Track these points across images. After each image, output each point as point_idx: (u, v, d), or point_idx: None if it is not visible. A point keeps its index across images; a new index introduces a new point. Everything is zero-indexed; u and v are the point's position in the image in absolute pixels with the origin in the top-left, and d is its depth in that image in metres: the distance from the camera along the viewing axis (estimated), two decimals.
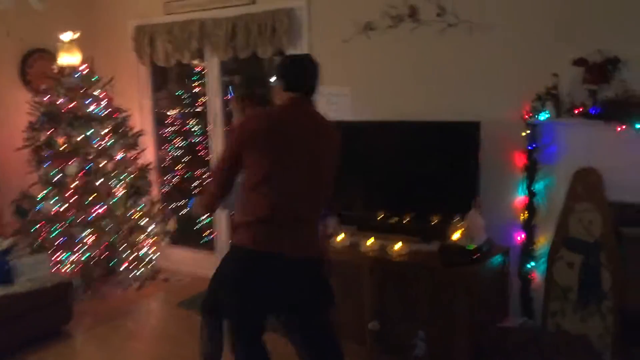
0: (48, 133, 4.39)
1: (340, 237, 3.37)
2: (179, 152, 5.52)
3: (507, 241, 3.30)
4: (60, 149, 4.36)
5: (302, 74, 2.46)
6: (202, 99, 5.14)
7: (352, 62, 3.82)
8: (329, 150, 2.47)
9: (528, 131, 3.17)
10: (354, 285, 3.26)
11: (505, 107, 3.26)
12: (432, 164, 3.35)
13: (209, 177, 2.56)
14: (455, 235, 3.05)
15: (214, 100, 4.73)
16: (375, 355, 3.22)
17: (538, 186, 3.22)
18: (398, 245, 3.16)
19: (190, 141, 5.49)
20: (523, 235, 3.26)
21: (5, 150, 4.51)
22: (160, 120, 5.36)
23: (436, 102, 3.50)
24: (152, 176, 4.93)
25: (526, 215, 3.24)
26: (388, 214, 3.49)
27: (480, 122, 3.18)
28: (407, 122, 3.47)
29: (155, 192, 5.06)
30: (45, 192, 4.40)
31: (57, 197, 4.36)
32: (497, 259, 3.19)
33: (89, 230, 4.40)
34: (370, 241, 3.27)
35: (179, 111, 5.52)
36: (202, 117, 5.19)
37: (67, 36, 4.46)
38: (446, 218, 3.19)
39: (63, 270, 4.37)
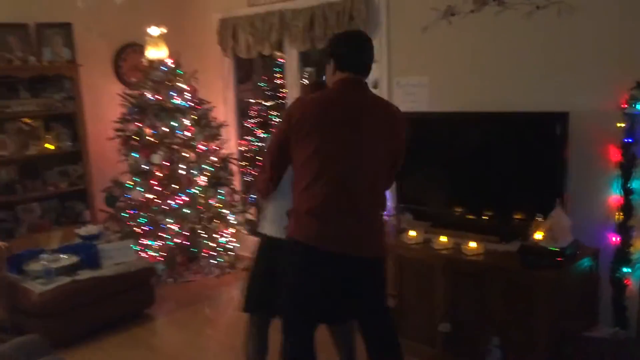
0: (137, 124, 4.59)
1: (413, 233, 3.23)
2: (261, 143, 5.59)
3: (598, 243, 3.00)
4: (147, 139, 4.54)
5: (355, 50, 2.29)
6: (284, 91, 5.16)
7: (431, 50, 3.64)
8: (390, 135, 2.31)
9: (624, 123, 2.86)
10: (425, 285, 3.12)
11: (598, 96, 2.96)
12: (515, 158, 3.11)
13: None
14: (537, 236, 2.82)
15: (293, 91, 4.72)
16: (445, 358, 3.07)
17: (635, 184, 2.89)
18: (473, 244, 2.98)
19: (272, 132, 5.54)
20: (617, 238, 2.95)
21: (100, 139, 4.77)
22: (243, 112, 5.45)
23: (521, 91, 3.25)
24: (234, 166, 5.02)
25: (621, 216, 2.93)
26: (464, 210, 3.31)
27: (569, 113, 2.90)
28: (488, 114, 3.25)
29: (236, 182, 5.15)
30: (133, 181, 4.62)
31: (143, 186, 4.55)
32: (585, 262, 2.91)
33: (172, 219, 4.57)
34: (444, 239, 3.11)
35: (262, 102, 5.58)
36: (284, 108, 5.21)
37: (154, 31, 4.63)
38: (528, 216, 2.96)
39: (148, 256, 4.57)
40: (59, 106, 4.65)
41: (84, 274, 3.81)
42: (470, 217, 3.27)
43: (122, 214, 4.65)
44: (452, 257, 3.01)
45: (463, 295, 2.97)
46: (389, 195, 3.58)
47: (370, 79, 3.89)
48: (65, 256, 3.96)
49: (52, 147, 4.65)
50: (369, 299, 2.42)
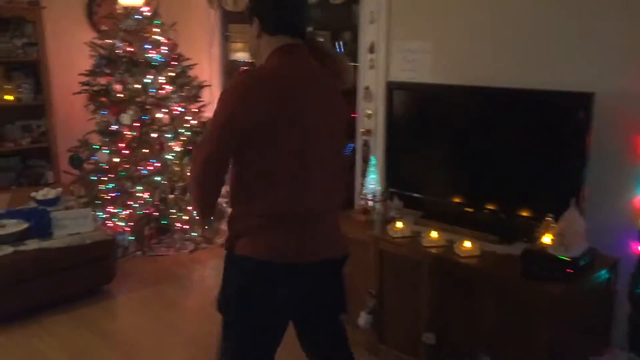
0: (106, 78, 4.12)
1: (400, 224, 2.77)
2: None
3: (617, 252, 2.53)
4: (117, 95, 4.07)
5: (289, 4, 1.77)
6: None
7: (437, 10, 3.11)
8: (338, 120, 1.85)
9: None
10: (409, 286, 2.67)
11: (630, 75, 2.44)
12: (527, 145, 2.61)
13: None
14: (546, 239, 2.34)
15: None
16: None
17: None
18: (468, 244, 2.51)
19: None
20: None
21: (67, 93, 4.30)
22: (230, 73, 4.95)
23: (540, 65, 2.73)
24: None
25: None
26: (463, 201, 2.83)
27: (595, 94, 2.39)
28: (500, 90, 2.73)
29: None
30: (100, 141, 4.17)
31: (111, 148, 4.11)
32: (601, 274, 2.44)
33: (141, 187, 4.13)
34: (435, 234, 2.64)
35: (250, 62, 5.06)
36: None
37: None
38: (536, 215, 2.49)
39: (114, 225, 4.16)
40: (20, 53, 4.17)
41: (31, 244, 3.40)
42: (469, 209, 2.80)
43: (89, 177, 4.22)
44: (442, 257, 2.55)
45: (451, 303, 2.52)
46: (377, 179, 3.12)
47: (365, 42, 3.45)
48: (13, 221, 3.55)
49: (11, 98, 4.19)
50: (328, 306, 2.00)
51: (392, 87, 3.09)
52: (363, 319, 2.86)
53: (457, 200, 2.85)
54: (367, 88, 3.52)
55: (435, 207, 2.92)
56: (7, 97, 4.16)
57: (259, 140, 1.68)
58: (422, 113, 3.00)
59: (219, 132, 1.69)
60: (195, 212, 1.92)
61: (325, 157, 1.79)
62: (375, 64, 3.43)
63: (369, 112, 3.53)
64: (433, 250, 2.60)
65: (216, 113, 1.71)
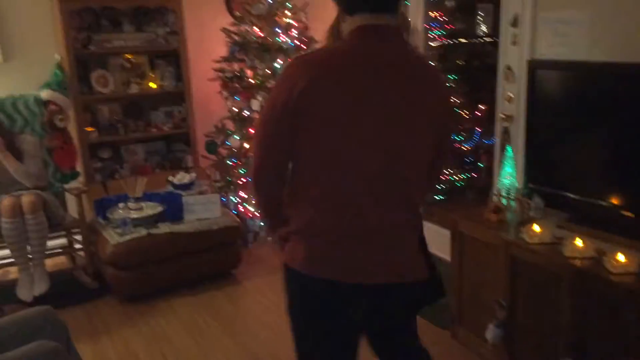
0: (238, 65, 4.13)
1: (537, 228, 2.36)
2: None
3: None
4: (248, 81, 4.06)
5: None
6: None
7: None
8: (429, 109, 1.49)
9: None
10: (546, 302, 2.27)
11: None
12: None
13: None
14: None
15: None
16: None
17: None
18: (622, 257, 2.04)
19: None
20: None
21: (204, 80, 4.39)
22: None
23: None
24: None
25: None
26: (619, 203, 2.33)
27: None
28: None
29: None
30: (234, 127, 4.22)
31: (241, 134, 4.12)
32: None
33: None
34: (580, 242, 2.20)
35: None
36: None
37: None
38: None
39: (244, 211, 4.20)
40: (162, 42, 4.34)
41: (163, 228, 3.52)
42: (626, 214, 2.29)
43: (224, 162, 4.30)
44: (588, 271, 2.11)
45: (597, 327, 2.08)
46: (514, 172, 2.71)
47: (507, 15, 3.00)
48: (150, 204, 3.72)
49: (154, 86, 4.39)
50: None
51: (536, 66, 2.64)
52: (491, 332, 2.52)
53: (612, 201, 2.36)
54: (508, 67, 3.09)
55: (584, 209, 2.44)
56: (151, 84, 4.37)
57: (302, 131, 1.44)
58: (575, 95, 2.52)
59: (273, 110, 1.47)
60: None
61: (400, 158, 1.47)
62: (519, 39, 2.98)
63: (510, 95, 3.10)
64: (577, 262, 2.16)
65: (274, 91, 1.50)
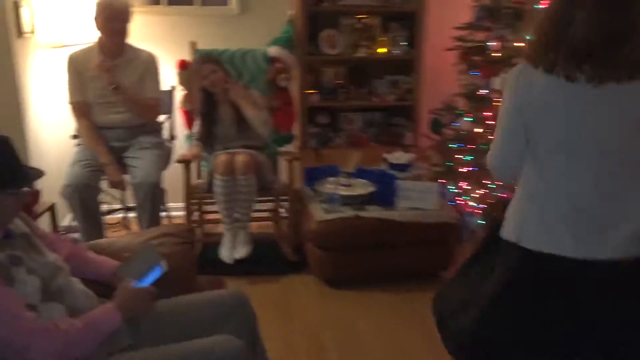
0: (483, 34, 3.51)
1: None
2: None
3: None
4: (492, 55, 3.43)
5: None
6: None
7: None
8: None
9: None
10: None
11: None
12: None
13: None
14: None
15: None
16: None
17: None
18: None
19: None
20: None
21: (439, 49, 3.84)
22: None
23: None
24: None
25: None
26: None
27: None
28: None
29: None
30: (466, 106, 3.64)
31: (475, 116, 3.53)
32: None
33: None
34: None
35: None
36: None
37: None
38: None
39: (464, 204, 3.64)
40: (399, 2, 3.89)
41: (372, 211, 3.15)
42: None
43: (447, 145, 3.78)
44: None
45: None
46: None
47: None
48: (361, 182, 3.38)
49: (384, 50, 3.98)
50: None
51: None
52: None
53: None
54: None
55: None
56: (380, 49, 3.97)
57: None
58: None
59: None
60: None
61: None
62: None
63: None
64: None
65: None
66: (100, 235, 3.13)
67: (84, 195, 2.99)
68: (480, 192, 3.61)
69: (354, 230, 3.07)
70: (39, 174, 1.69)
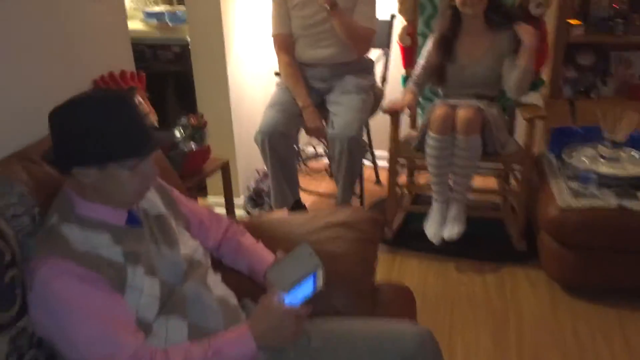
0: None
1: None
2: None
3: None
4: None
5: None
6: None
7: None
8: None
9: None
10: None
11: None
12: None
13: None
14: None
15: None
16: None
17: None
18: None
19: None
20: None
21: None
22: None
23: None
24: None
25: None
26: None
27: None
28: None
29: None
30: None
31: None
32: None
33: None
34: None
35: None
36: None
37: None
38: None
39: None
40: None
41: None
42: None
43: None
44: None
45: None
46: None
47: None
48: (635, 157, 2.41)
49: None
50: None
51: None
52: None
53: None
54: None
55: None
56: None
57: None
58: None
59: None
60: None
61: None
62: None
63: None
64: None
65: None
66: (293, 193, 2.78)
67: (276, 143, 2.63)
68: None
69: (614, 227, 2.17)
70: (163, 138, 1.27)
